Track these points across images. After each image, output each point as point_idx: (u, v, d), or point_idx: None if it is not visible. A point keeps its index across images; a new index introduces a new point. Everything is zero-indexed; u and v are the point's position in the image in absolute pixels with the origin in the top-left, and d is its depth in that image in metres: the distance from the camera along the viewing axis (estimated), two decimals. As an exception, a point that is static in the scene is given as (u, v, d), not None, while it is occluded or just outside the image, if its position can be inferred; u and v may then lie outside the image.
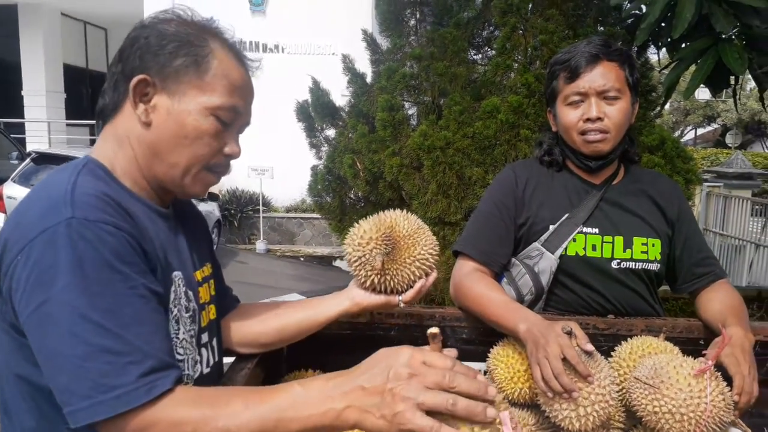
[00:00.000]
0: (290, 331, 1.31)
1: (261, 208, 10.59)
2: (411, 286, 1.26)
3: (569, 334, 1.26)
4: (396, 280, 1.25)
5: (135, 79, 1.00)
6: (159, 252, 1.01)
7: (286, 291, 7.31)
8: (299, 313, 1.31)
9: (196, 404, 0.86)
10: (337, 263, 10.23)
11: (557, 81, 1.63)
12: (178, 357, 1.03)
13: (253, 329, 1.31)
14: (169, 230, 1.10)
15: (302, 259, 10.40)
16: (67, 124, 14.05)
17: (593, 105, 1.56)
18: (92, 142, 12.75)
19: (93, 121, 13.27)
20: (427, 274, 1.27)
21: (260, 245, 10.48)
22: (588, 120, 1.57)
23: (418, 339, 1.55)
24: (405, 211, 1.31)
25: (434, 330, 0.84)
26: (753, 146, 28.88)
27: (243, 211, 11.06)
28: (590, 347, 1.24)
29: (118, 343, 0.84)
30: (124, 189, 1.03)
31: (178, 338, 1.04)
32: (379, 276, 1.24)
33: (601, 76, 1.56)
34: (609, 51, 1.58)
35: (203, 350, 1.15)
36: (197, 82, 1.02)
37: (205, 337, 1.15)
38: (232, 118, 1.07)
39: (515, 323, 1.36)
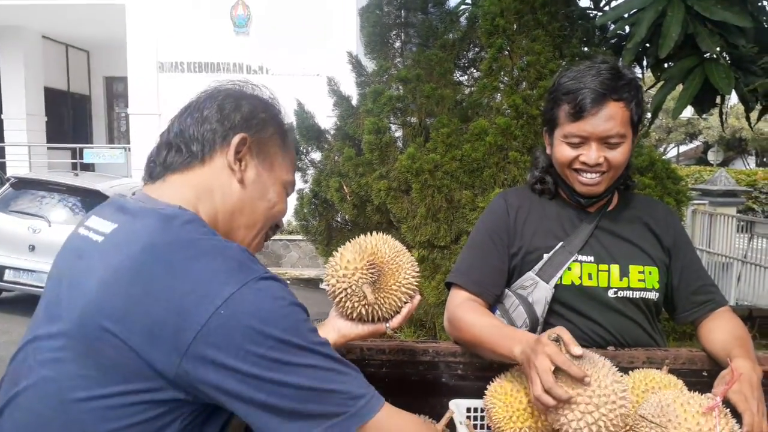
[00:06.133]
0: None
1: (246, 230, 10.48)
2: (397, 312, 1.26)
3: (557, 341, 1.19)
4: (384, 309, 1.23)
5: (238, 137, 1.06)
6: None
7: (273, 315, 7.19)
8: None
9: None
10: (324, 285, 10.11)
11: (558, 110, 1.53)
12: None
13: None
14: None
15: (289, 281, 10.28)
16: (48, 148, 13.89)
17: (593, 150, 1.48)
18: (73, 165, 12.60)
19: (74, 145, 13.20)
20: (412, 297, 1.27)
21: (246, 268, 10.34)
22: (585, 164, 1.50)
23: (411, 375, 1.49)
24: (381, 233, 1.30)
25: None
26: (734, 163, 29.30)
27: (228, 233, 10.93)
28: (579, 351, 1.15)
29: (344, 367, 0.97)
30: None
31: None
32: (367, 306, 1.22)
33: (605, 120, 1.45)
34: (618, 86, 1.46)
35: None
36: (281, 155, 1.13)
37: None
38: (291, 192, 1.19)
39: (510, 348, 1.29)
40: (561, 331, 1.20)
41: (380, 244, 1.26)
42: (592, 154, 1.48)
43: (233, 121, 1.07)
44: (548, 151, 1.63)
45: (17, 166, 11.99)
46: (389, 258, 1.24)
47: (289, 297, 0.93)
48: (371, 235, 1.30)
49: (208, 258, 0.91)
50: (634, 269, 1.57)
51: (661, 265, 1.60)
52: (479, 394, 1.40)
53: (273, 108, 1.15)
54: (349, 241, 1.28)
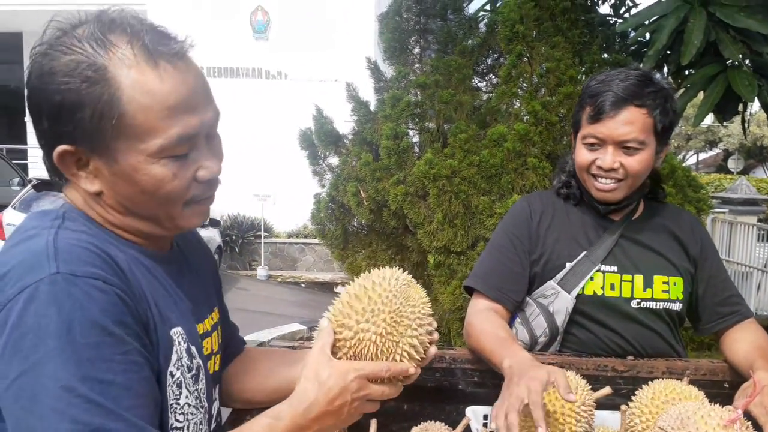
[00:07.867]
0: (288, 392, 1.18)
1: (262, 233, 10.53)
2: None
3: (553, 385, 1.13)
4: None
5: (56, 154, 0.85)
6: (153, 308, 0.89)
7: (288, 318, 7.22)
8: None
9: None
10: (339, 289, 10.12)
11: (582, 112, 1.54)
12: (177, 424, 0.92)
13: (255, 386, 1.20)
14: (168, 277, 0.97)
15: (303, 285, 10.31)
16: (70, 150, 14.06)
17: (609, 154, 1.46)
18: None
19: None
20: (423, 352, 1.03)
21: (261, 271, 10.39)
22: (600, 168, 1.49)
23: (427, 382, 1.48)
24: (378, 283, 1.02)
25: None
26: (755, 171, 28.89)
27: (244, 236, 11.00)
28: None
29: (109, 419, 0.74)
30: (110, 235, 0.91)
31: (178, 404, 0.92)
32: None
33: (623, 124, 1.43)
34: (642, 93, 1.44)
35: (213, 405, 1.07)
36: (124, 131, 0.83)
37: (213, 393, 1.07)
38: (188, 146, 0.87)
39: (502, 359, 1.29)
40: (560, 376, 1.13)
41: (366, 337, 0.95)
42: (607, 157, 1.47)
43: (50, 131, 0.86)
44: (573, 155, 1.63)
45: (39, 168, 12.16)
46: (374, 350, 0.96)
47: (70, 315, 0.76)
48: (375, 291, 1.00)
49: (19, 246, 0.83)
50: (658, 279, 1.55)
51: (686, 275, 1.58)
52: (496, 401, 1.39)
53: (79, 68, 0.82)
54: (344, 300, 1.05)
